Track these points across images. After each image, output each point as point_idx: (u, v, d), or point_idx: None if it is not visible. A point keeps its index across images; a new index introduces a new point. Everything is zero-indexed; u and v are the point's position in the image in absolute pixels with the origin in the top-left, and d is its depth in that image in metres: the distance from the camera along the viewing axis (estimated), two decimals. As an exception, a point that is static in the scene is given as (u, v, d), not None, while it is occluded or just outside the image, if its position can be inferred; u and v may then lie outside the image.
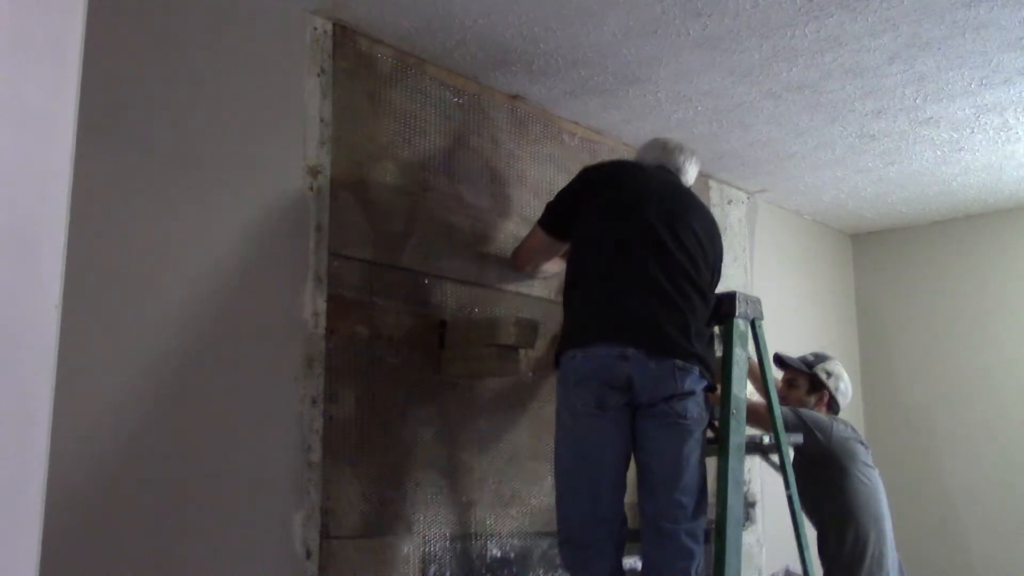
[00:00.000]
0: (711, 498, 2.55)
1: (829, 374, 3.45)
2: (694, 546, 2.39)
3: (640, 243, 2.55)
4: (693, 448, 2.44)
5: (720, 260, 2.74)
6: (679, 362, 2.42)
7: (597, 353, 2.43)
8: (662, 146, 2.91)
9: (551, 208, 2.83)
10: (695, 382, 2.46)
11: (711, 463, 2.59)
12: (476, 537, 2.92)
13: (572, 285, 2.63)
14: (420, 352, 2.86)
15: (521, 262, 3.03)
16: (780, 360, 3.49)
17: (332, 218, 2.68)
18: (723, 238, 4.09)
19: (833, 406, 3.47)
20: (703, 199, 4.02)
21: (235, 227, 2.48)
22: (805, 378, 3.45)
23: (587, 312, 2.53)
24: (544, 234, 2.86)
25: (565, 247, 2.85)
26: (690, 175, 2.90)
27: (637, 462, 2.49)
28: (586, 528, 2.42)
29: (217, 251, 2.43)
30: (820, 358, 3.50)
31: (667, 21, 2.79)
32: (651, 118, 3.49)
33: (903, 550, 3.46)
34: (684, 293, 2.52)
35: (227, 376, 2.40)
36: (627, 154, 3.70)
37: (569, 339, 2.52)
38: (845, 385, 3.48)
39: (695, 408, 2.46)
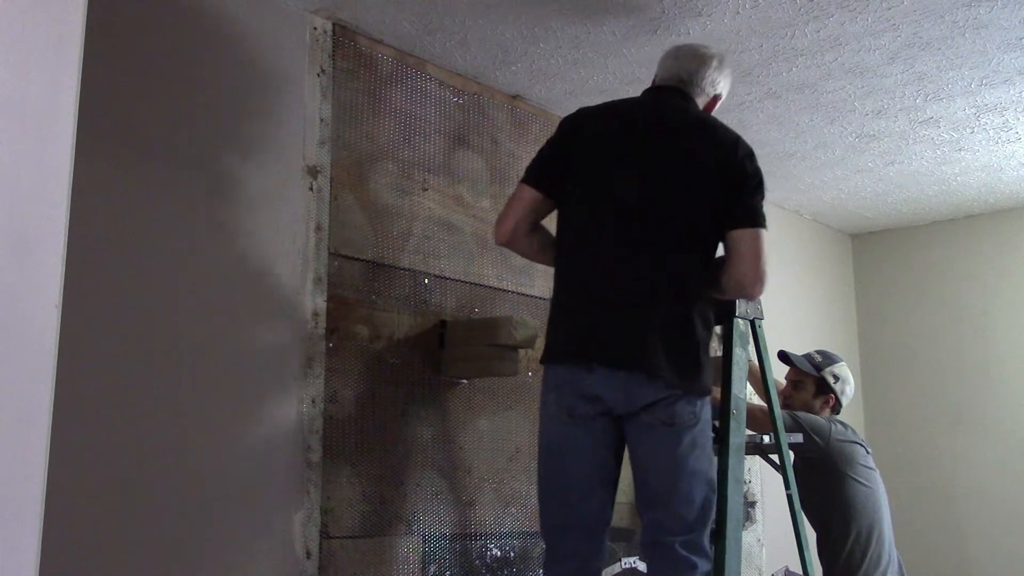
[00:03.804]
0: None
1: (837, 378, 3.42)
2: (694, 556, 2.24)
3: (607, 231, 2.31)
4: (687, 453, 2.26)
5: (730, 168, 2.32)
6: (645, 376, 2.23)
7: (565, 365, 2.32)
8: (673, 56, 2.50)
9: (531, 163, 2.47)
10: (676, 392, 2.25)
11: (710, 463, 2.57)
12: (476, 537, 2.92)
13: (554, 285, 2.43)
14: (420, 352, 2.86)
15: (501, 224, 2.44)
16: (786, 358, 3.47)
17: (332, 218, 2.68)
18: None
19: (836, 408, 3.46)
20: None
21: (235, 227, 2.48)
22: (813, 381, 3.42)
23: (556, 328, 2.37)
24: (525, 189, 2.41)
25: (548, 210, 2.46)
26: (708, 83, 2.48)
27: (632, 472, 2.37)
28: (556, 533, 2.33)
29: (217, 251, 2.43)
30: (828, 359, 3.46)
31: (667, 21, 2.79)
32: (651, 118, 3.49)
33: (903, 550, 3.46)
34: (665, 284, 2.27)
35: (227, 376, 2.40)
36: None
37: (545, 353, 2.38)
38: (851, 388, 3.47)
39: (684, 410, 2.26)
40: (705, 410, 2.31)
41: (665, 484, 2.27)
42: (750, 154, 2.37)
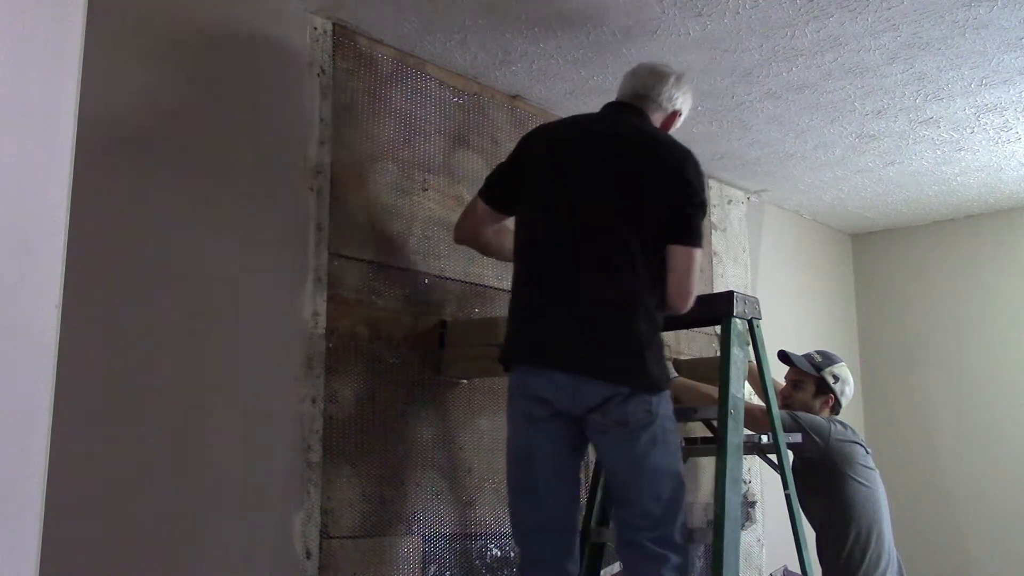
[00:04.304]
0: (708, 497, 2.53)
1: (836, 378, 3.43)
2: (665, 551, 2.29)
3: (555, 238, 2.39)
4: (646, 451, 2.30)
5: (675, 184, 2.37)
6: (586, 377, 2.29)
7: (519, 370, 2.38)
8: (632, 73, 2.59)
9: (488, 177, 2.63)
10: (624, 390, 2.29)
11: (709, 462, 2.58)
12: (476, 537, 2.93)
13: (511, 291, 2.51)
14: (420, 352, 2.86)
15: (458, 227, 2.71)
16: (786, 358, 3.48)
17: (332, 218, 2.68)
18: (723, 238, 4.15)
19: (835, 408, 3.46)
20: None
21: (235, 227, 2.48)
22: (812, 381, 3.43)
23: (509, 330, 2.45)
24: (479, 202, 2.61)
25: (502, 219, 2.63)
26: (665, 99, 2.54)
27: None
28: (528, 537, 2.40)
29: (217, 251, 2.43)
30: (828, 359, 3.47)
31: (667, 21, 2.79)
32: (651, 118, 3.49)
33: (903, 550, 3.46)
34: (613, 285, 2.32)
35: (227, 376, 2.40)
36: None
37: (501, 354, 2.46)
38: (851, 389, 3.47)
39: (637, 409, 2.29)
40: (662, 405, 2.33)
41: (628, 484, 2.33)
42: (697, 172, 2.43)
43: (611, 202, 2.37)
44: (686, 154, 2.43)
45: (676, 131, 2.61)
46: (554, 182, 2.45)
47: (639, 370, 2.30)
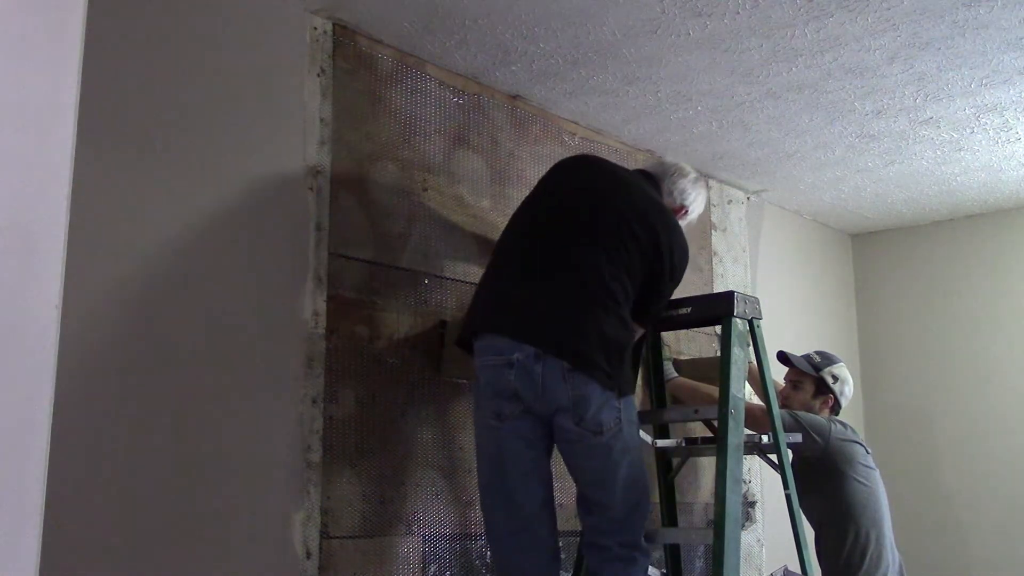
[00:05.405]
0: (708, 497, 2.54)
1: (836, 378, 3.43)
2: (632, 553, 2.39)
3: (548, 230, 2.50)
4: (619, 460, 2.36)
5: (664, 250, 2.51)
6: (567, 364, 2.31)
7: (486, 363, 2.40)
8: (659, 160, 2.91)
9: None
10: (594, 389, 2.33)
11: (709, 462, 2.58)
12: (476, 537, 2.93)
13: (483, 278, 2.61)
14: (420, 352, 2.86)
15: None
16: (785, 358, 3.48)
17: (332, 218, 2.68)
18: (723, 238, 4.15)
19: (835, 408, 3.46)
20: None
21: (235, 227, 2.48)
22: (812, 381, 3.43)
23: (480, 298, 2.51)
24: None
25: None
26: (677, 190, 2.77)
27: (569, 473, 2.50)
28: (504, 541, 2.44)
29: (217, 251, 2.43)
30: (827, 359, 3.47)
31: (667, 21, 2.79)
32: (651, 118, 3.49)
33: (903, 550, 3.46)
34: (597, 286, 2.40)
35: (227, 376, 2.40)
36: (626, 154, 3.71)
37: (465, 323, 2.53)
38: (850, 389, 3.48)
39: (609, 417, 2.34)
40: (627, 411, 2.40)
41: (600, 492, 2.40)
42: (682, 252, 2.59)
43: (607, 226, 2.47)
44: (683, 246, 2.61)
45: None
46: (564, 193, 2.58)
47: (606, 367, 2.35)
